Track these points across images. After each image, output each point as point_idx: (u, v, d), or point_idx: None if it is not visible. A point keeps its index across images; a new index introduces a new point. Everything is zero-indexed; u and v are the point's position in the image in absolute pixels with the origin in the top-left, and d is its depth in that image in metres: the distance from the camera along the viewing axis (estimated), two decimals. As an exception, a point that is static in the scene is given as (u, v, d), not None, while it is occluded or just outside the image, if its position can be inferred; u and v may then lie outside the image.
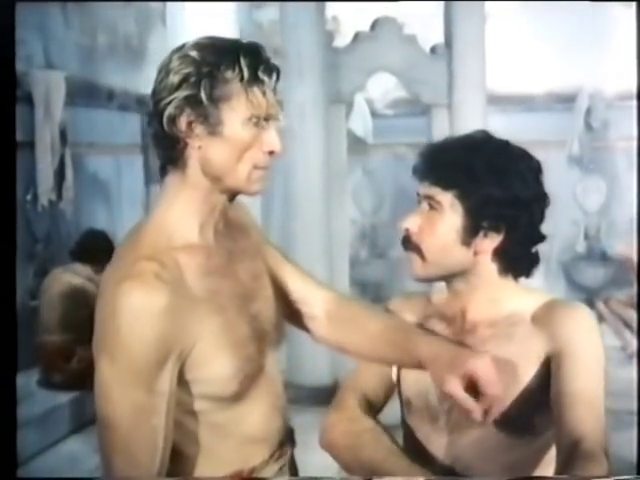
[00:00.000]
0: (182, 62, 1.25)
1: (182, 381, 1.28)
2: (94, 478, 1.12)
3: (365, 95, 7.44)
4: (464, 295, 1.47)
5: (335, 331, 1.58)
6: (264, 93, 1.27)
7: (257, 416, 1.39)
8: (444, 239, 1.41)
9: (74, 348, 4.54)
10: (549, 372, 1.37)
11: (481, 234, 1.41)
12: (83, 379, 3.06)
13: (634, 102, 7.70)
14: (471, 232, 1.40)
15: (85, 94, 5.76)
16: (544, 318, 1.42)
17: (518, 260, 1.47)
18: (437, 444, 1.48)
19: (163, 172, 1.33)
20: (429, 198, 1.42)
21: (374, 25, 5.55)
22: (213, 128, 1.26)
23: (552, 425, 1.36)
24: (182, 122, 1.26)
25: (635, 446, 3.49)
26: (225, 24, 4.42)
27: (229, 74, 1.25)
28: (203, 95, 1.24)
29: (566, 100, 7.51)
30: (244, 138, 1.27)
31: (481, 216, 1.39)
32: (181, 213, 1.31)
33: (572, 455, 1.27)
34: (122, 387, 1.22)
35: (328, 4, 5.58)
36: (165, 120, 1.26)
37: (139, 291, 1.21)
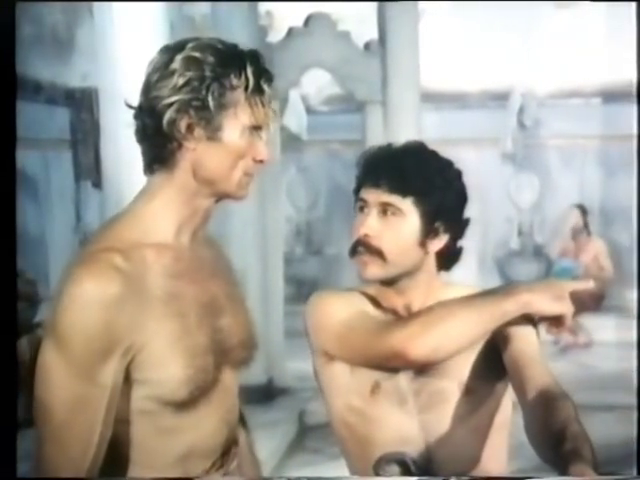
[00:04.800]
0: (186, 64, 1.23)
1: (130, 380, 1.25)
2: (93, 478, 1.07)
3: (300, 91, 7.41)
4: (409, 290, 1.59)
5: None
6: (263, 103, 1.28)
7: (204, 428, 1.35)
8: (406, 242, 1.53)
9: None
10: (495, 345, 1.56)
11: (433, 235, 1.55)
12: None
13: (565, 101, 7.87)
14: (427, 234, 1.54)
15: (10, 87, 5.58)
16: None
17: (452, 256, 1.61)
18: (408, 426, 1.57)
19: (149, 170, 1.31)
20: (386, 205, 1.52)
21: (308, 21, 5.51)
22: (213, 133, 1.25)
23: (505, 388, 1.61)
24: (182, 124, 1.24)
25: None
26: (155, 17, 4.32)
27: (235, 81, 1.25)
28: (210, 100, 1.23)
29: (499, 98, 7.61)
30: (240, 146, 1.28)
31: (435, 219, 1.53)
32: (160, 211, 1.30)
33: (544, 397, 1.42)
34: (63, 374, 1.20)
35: (261, -3, 5.54)
36: (165, 120, 1.24)
37: (91, 278, 1.20)
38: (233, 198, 1.35)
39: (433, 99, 6.83)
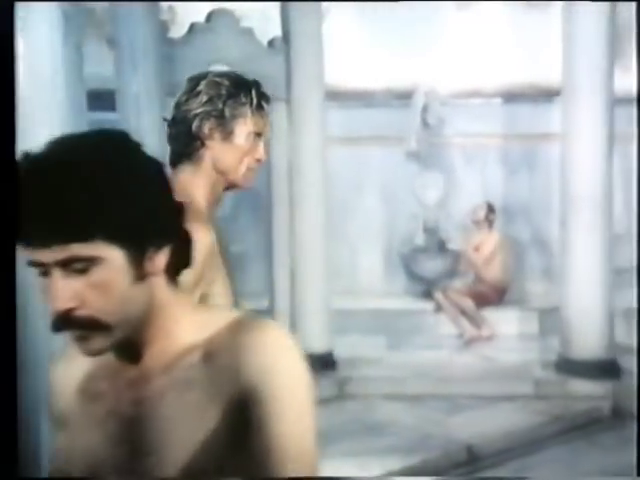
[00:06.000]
0: (209, 85, 1.72)
1: None
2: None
3: (205, 89, 7.33)
4: (142, 338, 1.14)
5: None
6: (262, 116, 1.78)
7: None
8: (119, 290, 1.08)
9: None
10: (242, 410, 1.10)
11: (149, 259, 1.10)
12: None
13: (467, 100, 8.04)
14: (137, 263, 1.09)
15: None
16: (229, 349, 1.12)
17: (180, 263, 1.17)
18: None
19: (173, 164, 1.76)
20: (73, 260, 1.05)
21: (210, 17, 5.45)
22: (227, 136, 1.74)
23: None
24: (206, 128, 1.72)
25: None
26: (49, 8, 4.18)
27: (244, 100, 1.73)
28: (227, 112, 1.72)
29: (403, 97, 7.70)
30: (246, 147, 1.76)
31: (143, 242, 1.09)
32: (197, 193, 1.74)
33: None
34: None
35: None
36: (194, 126, 1.71)
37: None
38: (239, 187, 1.81)
39: (338, 97, 6.86)
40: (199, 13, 5.56)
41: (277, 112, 5.69)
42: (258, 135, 1.77)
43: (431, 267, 7.53)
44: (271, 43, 5.67)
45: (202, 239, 1.56)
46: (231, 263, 1.86)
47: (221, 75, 1.77)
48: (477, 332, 6.87)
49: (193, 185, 1.75)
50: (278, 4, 5.77)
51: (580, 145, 5.63)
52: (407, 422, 4.99)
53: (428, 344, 6.57)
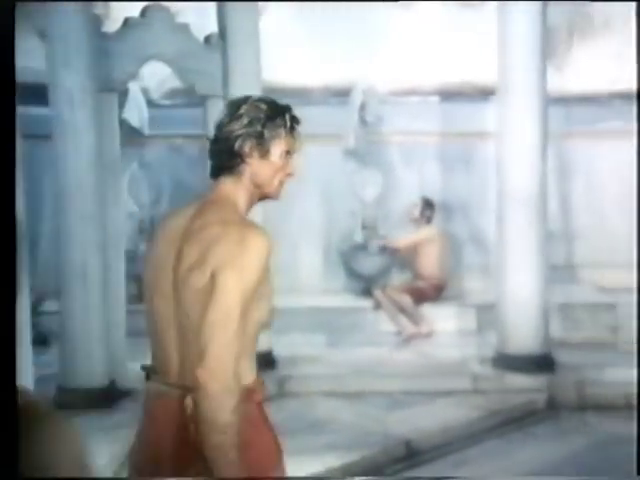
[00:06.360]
0: (250, 109, 1.94)
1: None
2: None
3: (140, 84, 7.21)
4: None
5: None
6: (294, 137, 1.99)
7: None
8: None
9: None
10: None
11: None
12: None
13: (405, 99, 8.10)
14: None
15: None
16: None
17: None
18: None
19: (215, 175, 1.98)
20: None
21: (144, 12, 5.35)
22: (264, 154, 1.95)
23: None
24: (247, 147, 1.93)
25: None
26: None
27: (279, 122, 1.95)
28: (265, 133, 1.93)
29: (341, 95, 7.71)
30: (279, 163, 1.98)
31: None
32: (239, 198, 1.98)
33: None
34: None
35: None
36: (236, 145, 1.92)
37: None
38: (272, 198, 2.04)
39: (275, 94, 6.80)
40: (134, 8, 5.45)
41: (215, 109, 5.63)
42: (289, 153, 2.00)
43: (370, 264, 7.56)
44: (208, 40, 5.60)
45: (264, 241, 1.84)
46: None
47: (259, 100, 1.99)
48: (416, 329, 6.92)
49: (236, 194, 1.98)
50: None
51: (515, 143, 5.73)
52: (347, 419, 5.00)
53: (367, 341, 6.59)
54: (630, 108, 8.15)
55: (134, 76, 5.69)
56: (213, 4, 5.75)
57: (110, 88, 5.32)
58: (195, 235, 1.86)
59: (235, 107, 1.97)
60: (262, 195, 2.03)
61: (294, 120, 2.00)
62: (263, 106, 1.96)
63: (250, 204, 2.02)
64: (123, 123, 6.28)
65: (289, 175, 2.03)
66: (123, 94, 6.30)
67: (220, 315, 1.74)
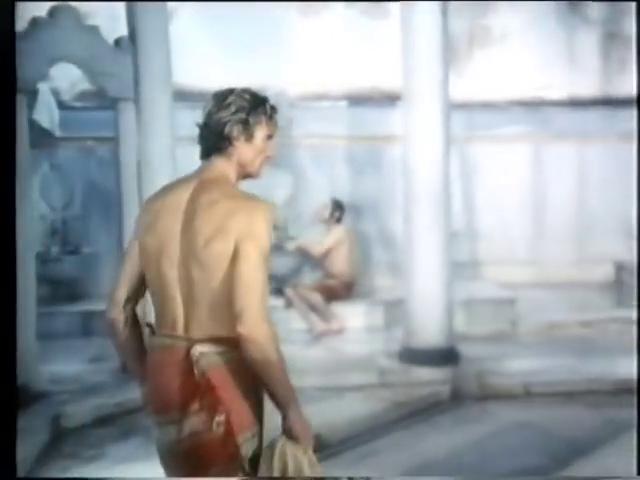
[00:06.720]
0: (237, 99, 2.21)
1: None
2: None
3: (51, 85, 7.15)
4: None
5: None
6: (273, 123, 2.27)
7: None
8: None
9: None
10: None
11: None
12: None
13: (315, 103, 8.27)
14: None
15: None
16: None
17: None
18: None
19: (205, 156, 2.26)
20: None
21: (52, 12, 5.31)
22: (249, 138, 2.23)
23: None
24: (235, 131, 2.21)
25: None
26: None
27: (261, 110, 2.24)
28: (250, 120, 2.21)
29: (253, 98, 7.80)
30: (261, 146, 2.26)
31: None
32: (230, 175, 2.24)
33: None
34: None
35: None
36: (226, 129, 2.20)
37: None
38: (253, 177, 2.29)
39: (187, 98, 6.88)
40: (42, 8, 5.40)
41: (126, 112, 5.66)
42: (269, 137, 2.28)
43: (283, 264, 7.67)
44: (118, 42, 5.60)
45: (269, 211, 2.13)
46: None
47: (243, 91, 2.25)
48: (326, 326, 7.07)
49: (228, 172, 2.24)
50: (124, 3, 5.72)
51: (420, 147, 5.89)
52: (259, 414, 5.08)
53: (279, 339, 6.68)
54: (526, 114, 8.61)
55: (44, 77, 5.63)
56: (123, 7, 5.76)
57: (18, 89, 5.27)
58: (206, 209, 2.13)
59: (222, 98, 2.25)
60: (245, 174, 2.29)
61: (272, 109, 2.30)
62: (247, 96, 2.24)
63: (237, 181, 2.29)
64: (34, 124, 6.22)
65: (269, 157, 2.31)
66: (32, 95, 6.24)
67: (250, 277, 2.05)
